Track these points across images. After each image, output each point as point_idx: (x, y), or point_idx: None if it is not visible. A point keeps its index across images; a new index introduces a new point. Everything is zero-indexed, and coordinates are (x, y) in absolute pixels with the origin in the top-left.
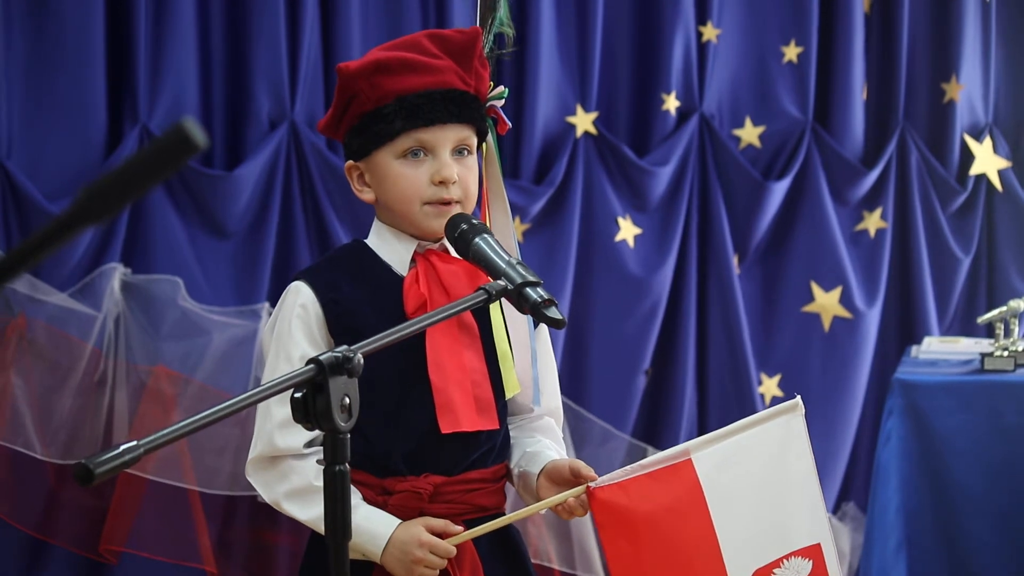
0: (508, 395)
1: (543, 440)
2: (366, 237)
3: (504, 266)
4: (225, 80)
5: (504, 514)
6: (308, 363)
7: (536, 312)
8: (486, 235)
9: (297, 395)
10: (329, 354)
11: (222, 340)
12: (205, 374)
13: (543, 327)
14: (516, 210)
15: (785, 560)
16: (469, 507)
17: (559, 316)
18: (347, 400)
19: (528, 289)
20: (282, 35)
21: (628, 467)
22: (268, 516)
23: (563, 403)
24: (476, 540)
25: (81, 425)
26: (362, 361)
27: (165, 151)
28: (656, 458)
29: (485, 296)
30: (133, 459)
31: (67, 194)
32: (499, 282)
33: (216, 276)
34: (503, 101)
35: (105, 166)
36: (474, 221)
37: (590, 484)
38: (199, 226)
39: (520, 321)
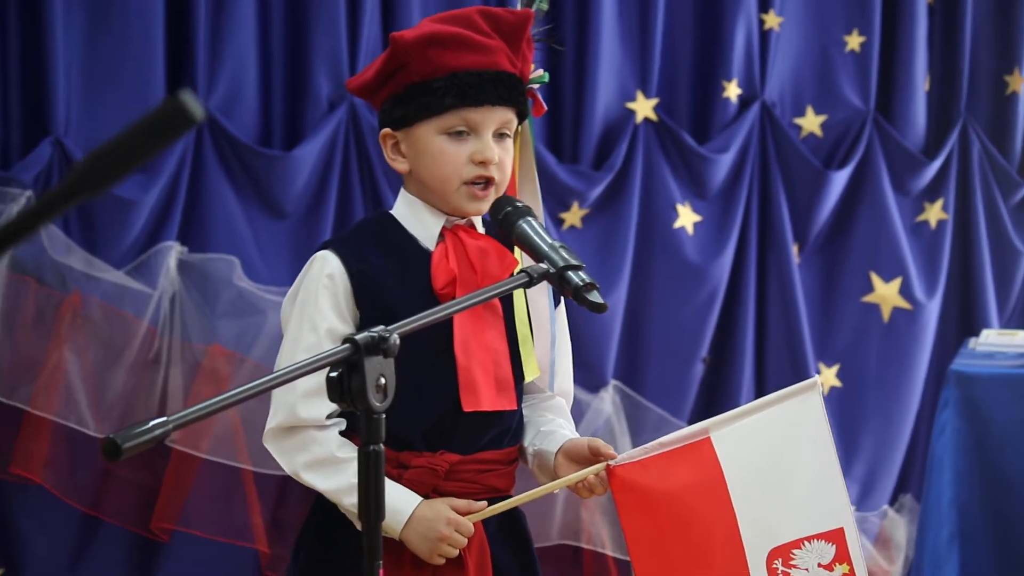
0: (527, 379)
1: (556, 419)
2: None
3: (547, 249)
4: (285, 61)
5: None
6: (344, 342)
7: (578, 296)
8: (530, 218)
9: (333, 374)
10: (365, 334)
11: (277, 320)
12: (260, 353)
13: (562, 309)
14: (575, 195)
15: (806, 542)
16: (481, 487)
17: (600, 300)
18: (382, 380)
19: (570, 272)
20: (342, 16)
21: (647, 445)
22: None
23: (620, 388)
24: (484, 521)
25: (135, 403)
26: (398, 342)
27: (160, 124)
28: (675, 436)
29: (527, 279)
30: (163, 435)
31: None
32: (541, 265)
33: (273, 256)
34: (541, 85)
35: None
36: (518, 203)
37: (609, 462)
38: (256, 206)
39: (542, 305)
